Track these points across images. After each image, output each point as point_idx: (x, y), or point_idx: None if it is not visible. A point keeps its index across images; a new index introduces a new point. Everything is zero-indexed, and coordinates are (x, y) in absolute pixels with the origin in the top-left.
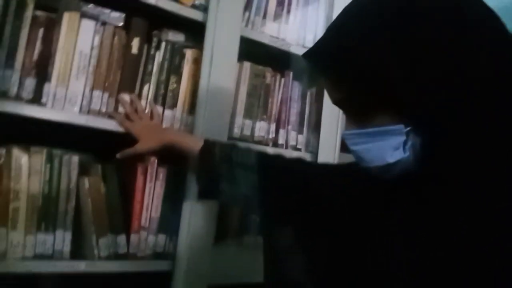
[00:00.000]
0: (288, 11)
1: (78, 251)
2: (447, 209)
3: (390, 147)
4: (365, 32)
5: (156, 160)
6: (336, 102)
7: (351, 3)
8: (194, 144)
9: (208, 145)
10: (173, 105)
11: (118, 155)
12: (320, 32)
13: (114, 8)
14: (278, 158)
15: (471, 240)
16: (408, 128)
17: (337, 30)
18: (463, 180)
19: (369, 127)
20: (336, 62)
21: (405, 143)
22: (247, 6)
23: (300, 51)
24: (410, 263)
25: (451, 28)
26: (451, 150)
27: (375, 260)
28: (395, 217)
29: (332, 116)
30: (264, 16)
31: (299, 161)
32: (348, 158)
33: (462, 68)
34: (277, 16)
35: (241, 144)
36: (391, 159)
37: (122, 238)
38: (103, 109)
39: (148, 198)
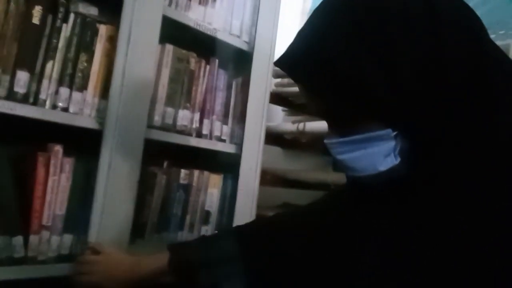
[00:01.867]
0: None
1: None
2: (441, 212)
3: (380, 154)
4: (340, 41)
5: (61, 149)
6: (316, 112)
7: (320, 6)
8: (161, 260)
9: (174, 254)
10: (83, 87)
11: None
12: (247, 20)
13: None
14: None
15: (467, 241)
16: (395, 133)
17: (311, 39)
18: (454, 181)
19: (354, 135)
20: (313, 73)
21: (394, 148)
22: None
23: (226, 37)
24: (410, 269)
25: (426, 30)
26: (440, 151)
27: (373, 271)
28: (390, 225)
29: (258, 108)
30: None
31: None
32: (271, 151)
33: (440, 68)
34: None
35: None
36: (383, 167)
37: (18, 240)
38: None
39: (51, 193)
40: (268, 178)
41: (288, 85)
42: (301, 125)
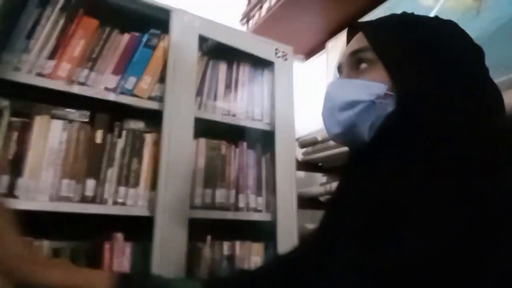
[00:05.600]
0: (236, 91)
1: None
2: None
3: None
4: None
5: (122, 236)
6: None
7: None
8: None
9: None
10: (136, 184)
11: None
12: (266, 105)
13: (80, 106)
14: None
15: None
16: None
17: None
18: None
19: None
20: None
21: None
22: (199, 92)
23: (250, 123)
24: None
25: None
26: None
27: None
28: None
29: (286, 177)
30: (215, 98)
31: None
32: (305, 215)
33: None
34: (226, 97)
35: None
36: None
37: None
38: (71, 195)
39: None
40: None
41: (313, 152)
42: (327, 186)
